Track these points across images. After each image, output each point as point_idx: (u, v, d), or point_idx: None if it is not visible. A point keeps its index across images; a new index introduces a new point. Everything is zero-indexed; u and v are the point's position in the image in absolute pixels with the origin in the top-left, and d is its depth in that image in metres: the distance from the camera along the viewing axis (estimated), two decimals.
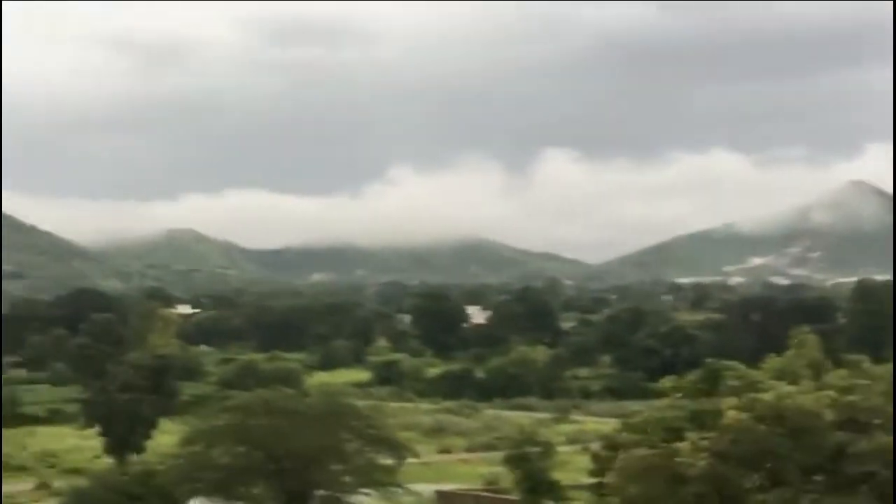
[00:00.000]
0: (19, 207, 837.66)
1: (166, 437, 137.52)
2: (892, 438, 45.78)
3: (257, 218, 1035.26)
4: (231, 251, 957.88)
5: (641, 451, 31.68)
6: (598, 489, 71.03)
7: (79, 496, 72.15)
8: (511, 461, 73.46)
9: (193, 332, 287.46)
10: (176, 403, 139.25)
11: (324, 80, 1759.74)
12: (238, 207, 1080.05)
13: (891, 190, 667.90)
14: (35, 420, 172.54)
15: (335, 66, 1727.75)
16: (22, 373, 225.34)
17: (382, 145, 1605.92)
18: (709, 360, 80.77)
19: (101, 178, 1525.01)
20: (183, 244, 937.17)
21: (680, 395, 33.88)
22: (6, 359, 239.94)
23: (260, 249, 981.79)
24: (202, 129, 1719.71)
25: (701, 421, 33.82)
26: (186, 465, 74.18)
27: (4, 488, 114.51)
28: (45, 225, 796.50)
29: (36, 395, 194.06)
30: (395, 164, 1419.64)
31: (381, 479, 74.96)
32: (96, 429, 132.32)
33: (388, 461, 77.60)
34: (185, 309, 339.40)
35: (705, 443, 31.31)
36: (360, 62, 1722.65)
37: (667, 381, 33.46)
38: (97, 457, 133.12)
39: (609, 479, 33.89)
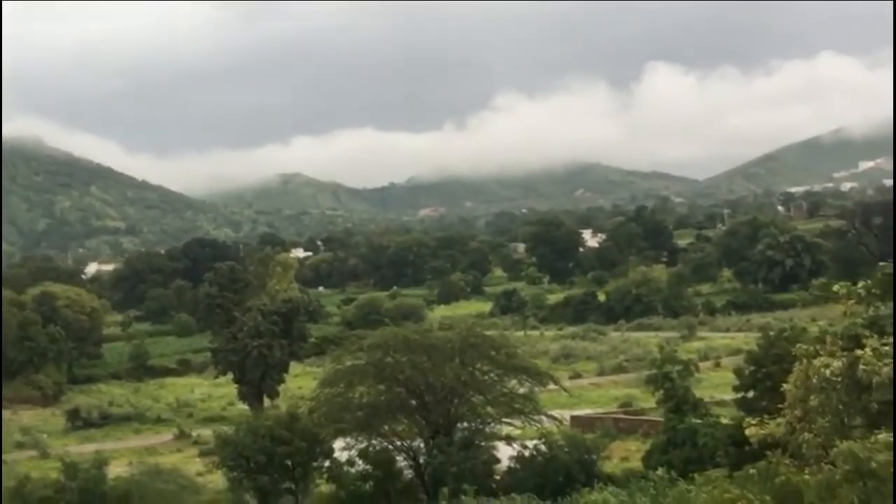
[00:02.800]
0: (130, 163, 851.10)
1: (297, 381, 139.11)
2: None
3: (364, 157, 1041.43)
4: (339, 192, 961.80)
5: (824, 360, 30.48)
6: (742, 404, 69.93)
7: (226, 442, 72.42)
8: (653, 381, 72.18)
9: (310, 275, 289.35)
10: (305, 347, 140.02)
11: (424, 13, 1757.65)
12: (345, 148, 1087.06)
13: None
14: (164, 372, 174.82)
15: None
16: (146, 326, 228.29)
17: (487, 74, 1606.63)
18: (881, 263, 78.84)
19: (209, 129, 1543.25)
20: (291, 188, 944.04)
21: (853, 301, 32.69)
22: (130, 312, 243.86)
23: (367, 188, 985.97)
24: (308, 73, 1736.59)
25: (880, 327, 32.59)
26: (329, 406, 74.19)
27: (144, 441, 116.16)
28: (156, 179, 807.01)
29: (162, 346, 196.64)
30: (500, 92, 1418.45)
31: (522, 408, 74.43)
32: (228, 376, 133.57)
33: (529, 389, 77.02)
34: (298, 252, 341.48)
35: (888, 348, 30.07)
36: None
37: (840, 287, 32.06)
38: (231, 404, 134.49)
39: (788, 389, 32.54)
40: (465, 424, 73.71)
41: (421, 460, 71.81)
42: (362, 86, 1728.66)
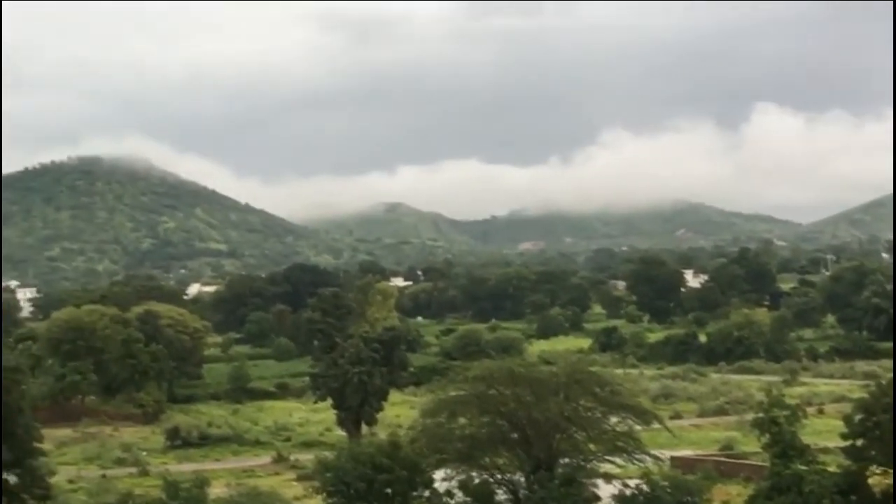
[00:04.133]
0: (237, 187, 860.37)
1: (395, 409, 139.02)
2: None
3: (467, 189, 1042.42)
4: (440, 222, 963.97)
5: None
6: (851, 452, 68.58)
7: (327, 467, 72.34)
8: (758, 424, 70.97)
9: (409, 304, 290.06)
10: (404, 375, 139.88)
11: (531, 48, 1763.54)
12: (450, 179, 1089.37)
13: None
14: (263, 395, 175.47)
15: (541, 34, 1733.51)
16: (245, 348, 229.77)
17: (594, 110, 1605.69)
18: None
19: (316, 155, 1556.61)
20: (393, 217, 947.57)
21: None
22: (230, 334, 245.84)
23: (468, 220, 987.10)
24: (416, 103, 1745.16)
25: None
26: (431, 436, 73.90)
27: (242, 463, 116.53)
28: (259, 203, 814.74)
29: (261, 369, 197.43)
30: (607, 128, 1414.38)
31: (625, 446, 73.60)
32: (327, 402, 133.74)
33: (633, 428, 76.22)
34: (398, 281, 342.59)
35: None
36: (565, 28, 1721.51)
37: None
38: (328, 429, 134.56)
39: None
40: (567, 460, 72.99)
41: (521, 495, 71.21)
42: (470, 117, 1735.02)
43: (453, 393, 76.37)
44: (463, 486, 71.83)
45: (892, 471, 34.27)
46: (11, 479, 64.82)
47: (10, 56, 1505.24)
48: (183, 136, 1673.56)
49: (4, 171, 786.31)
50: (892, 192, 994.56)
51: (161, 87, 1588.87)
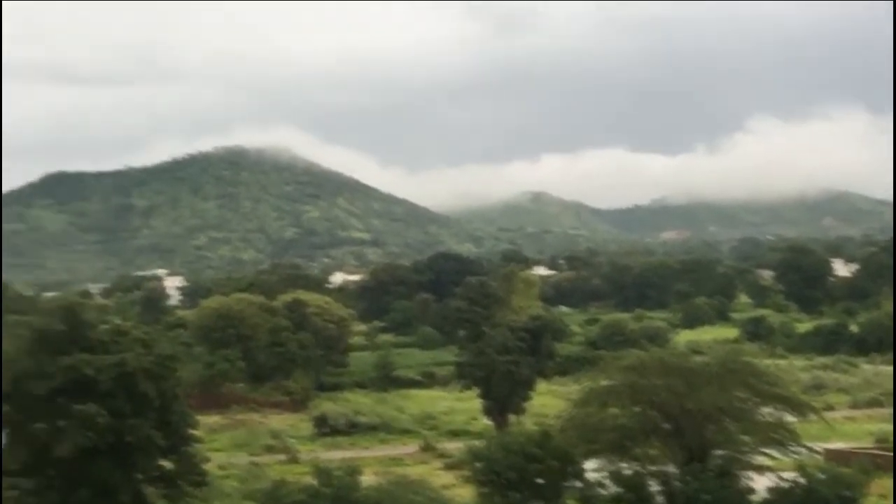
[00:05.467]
0: (380, 177, 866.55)
1: (541, 399, 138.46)
2: None
3: (611, 177, 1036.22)
4: (581, 211, 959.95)
5: None
6: None
7: (477, 457, 72.24)
8: None
9: (552, 293, 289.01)
10: (551, 365, 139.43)
11: (676, 35, 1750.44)
12: (593, 167, 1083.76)
13: None
14: (409, 383, 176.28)
15: (686, 21, 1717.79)
16: (389, 337, 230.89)
17: (742, 96, 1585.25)
18: None
19: (459, 144, 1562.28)
20: (535, 206, 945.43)
21: None
22: (374, 322, 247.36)
23: (610, 209, 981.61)
24: (561, 91, 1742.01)
25: None
26: (582, 426, 73.34)
27: (389, 451, 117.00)
28: (402, 193, 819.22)
29: (406, 358, 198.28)
30: (755, 115, 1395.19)
31: (780, 438, 72.19)
32: (472, 391, 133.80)
33: (789, 419, 74.81)
34: (540, 270, 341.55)
35: None
36: (712, 15, 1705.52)
37: None
38: (474, 418, 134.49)
39: None
40: (720, 452, 71.84)
41: (674, 486, 70.24)
42: (616, 105, 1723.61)
43: (604, 383, 75.60)
44: (614, 476, 71.08)
45: None
46: (168, 465, 65.62)
47: (158, 49, 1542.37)
48: (329, 127, 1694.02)
49: (155, 161, 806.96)
50: None
51: (308, 79, 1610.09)
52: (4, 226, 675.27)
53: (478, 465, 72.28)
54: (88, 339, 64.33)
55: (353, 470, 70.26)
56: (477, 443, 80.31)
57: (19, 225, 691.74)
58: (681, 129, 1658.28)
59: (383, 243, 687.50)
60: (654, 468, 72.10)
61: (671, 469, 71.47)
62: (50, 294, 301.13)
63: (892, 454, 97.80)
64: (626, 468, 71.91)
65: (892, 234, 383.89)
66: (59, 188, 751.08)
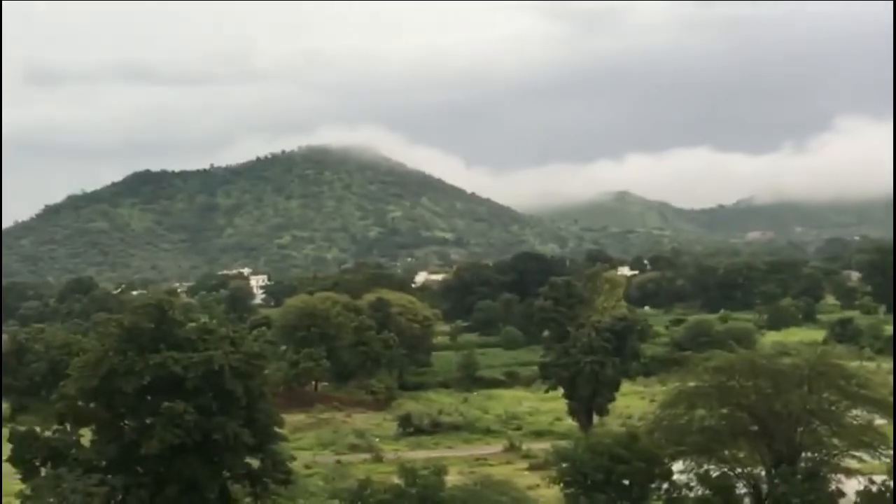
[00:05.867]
0: (465, 177, 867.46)
1: (625, 399, 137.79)
2: None
3: (696, 177, 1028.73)
4: (666, 211, 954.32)
5: None
6: None
7: (563, 457, 71.96)
8: None
9: (636, 294, 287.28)
10: (636, 366, 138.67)
11: (761, 33, 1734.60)
12: (678, 167, 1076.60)
13: None
14: (492, 383, 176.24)
15: (771, 19, 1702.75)
16: (473, 336, 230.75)
17: (831, 95, 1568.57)
18: None
19: (545, 144, 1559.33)
20: (619, 206, 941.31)
21: None
22: (458, 322, 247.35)
23: (694, 209, 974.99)
24: (646, 90, 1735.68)
25: None
26: (669, 427, 72.70)
27: (473, 451, 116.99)
28: (486, 192, 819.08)
29: (489, 358, 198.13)
30: (843, 113, 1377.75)
31: (871, 441, 71.03)
32: (557, 391, 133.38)
33: (879, 422, 73.69)
34: (625, 270, 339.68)
35: None
36: (797, 13, 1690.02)
37: None
38: (559, 419, 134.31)
39: None
40: (809, 454, 70.90)
41: (763, 489, 69.49)
42: (701, 105, 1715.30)
43: (691, 384, 74.86)
44: (702, 478, 70.43)
45: None
46: (254, 462, 65.92)
47: (244, 48, 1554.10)
48: (416, 127, 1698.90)
49: (240, 160, 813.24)
50: None
51: (395, 79, 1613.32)
52: (90, 225, 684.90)
53: (564, 465, 71.96)
54: (176, 336, 64.80)
55: (439, 470, 70.23)
56: (563, 443, 79.90)
57: (105, 224, 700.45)
58: (767, 128, 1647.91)
59: (466, 243, 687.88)
60: (741, 470, 71.42)
61: (759, 472, 70.76)
62: (136, 292, 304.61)
63: None
64: (714, 470, 71.26)
65: None
66: (145, 188, 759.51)
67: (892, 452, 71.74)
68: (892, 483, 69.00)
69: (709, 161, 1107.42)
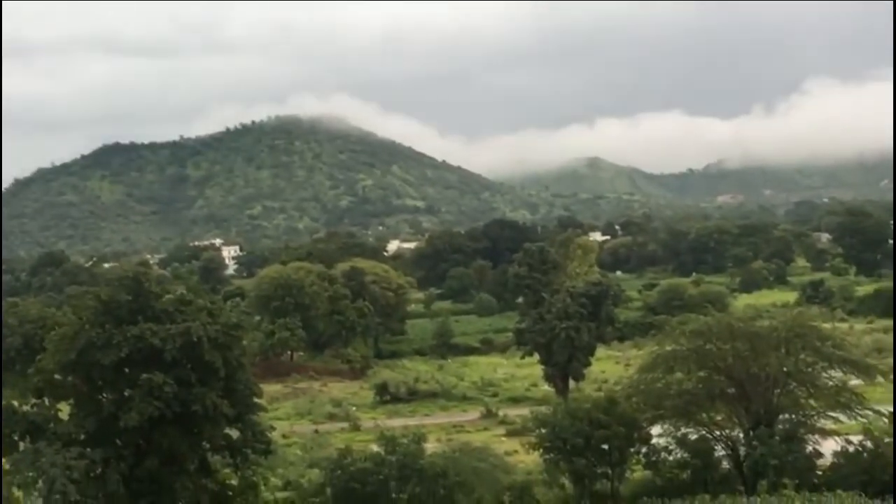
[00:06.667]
0: (441, 146, 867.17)
1: (600, 364, 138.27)
2: None
3: (666, 142, 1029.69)
4: (635, 176, 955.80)
5: None
6: None
7: (543, 423, 72.18)
8: None
9: (608, 259, 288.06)
10: (611, 330, 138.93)
11: None
12: (649, 132, 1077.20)
13: None
14: (467, 350, 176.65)
15: None
16: (446, 304, 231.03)
17: (800, 58, 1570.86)
18: None
19: (517, 111, 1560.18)
20: (589, 172, 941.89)
21: None
22: (431, 290, 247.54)
23: (664, 174, 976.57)
24: (617, 55, 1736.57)
25: None
26: (648, 392, 72.96)
27: (450, 418, 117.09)
28: (458, 160, 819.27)
29: (464, 325, 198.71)
30: (811, 76, 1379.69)
31: (848, 402, 71.42)
32: (532, 358, 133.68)
33: (854, 383, 74.19)
34: (596, 236, 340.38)
35: None
36: None
37: None
38: (534, 385, 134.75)
39: None
40: (787, 416, 71.30)
41: (740, 451, 69.90)
42: (672, 69, 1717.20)
43: (668, 348, 75.11)
44: (680, 441, 70.88)
45: None
46: (234, 433, 65.84)
47: (212, 19, 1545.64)
48: (389, 97, 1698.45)
49: (210, 131, 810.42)
50: None
51: (366, 48, 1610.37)
52: (60, 198, 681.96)
53: (543, 431, 72.19)
54: (154, 309, 64.48)
55: (418, 437, 70.45)
56: (542, 409, 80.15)
57: (74, 197, 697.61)
58: (738, 92, 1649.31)
59: (438, 211, 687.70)
60: (720, 433, 71.90)
61: (737, 434, 71.19)
62: (107, 265, 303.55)
63: None
64: (692, 433, 71.73)
65: None
66: (114, 160, 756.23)
67: (867, 412, 72.28)
68: (868, 443, 69.51)
69: (680, 125, 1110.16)
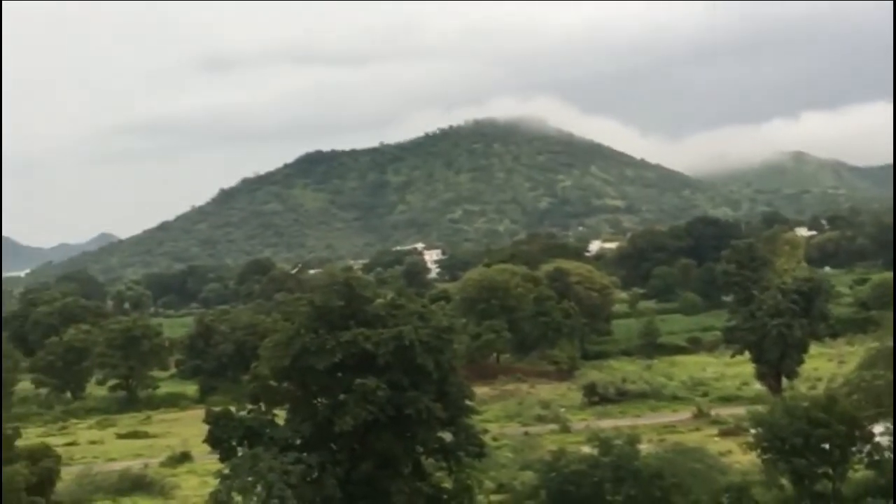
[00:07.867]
0: (639, 145, 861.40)
1: (812, 362, 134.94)
2: None
3: (871, 133, 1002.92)
4: (840, 170, 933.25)
5: None
6: None
7: (760, 423, 70.53)
8: None
9: (815, 254, 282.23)
10: (824, 327, 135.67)
11: None
12: (855, 123, 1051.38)
13: None
14: (674, 350, 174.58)
15: None
16: (650, 303, 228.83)
17: None
18: None
19: (718, 106, 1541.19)
20: (792, 167, 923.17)
21: None
22: (635, 289, 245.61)
23: (870, 166, 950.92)
24: (820, 46, 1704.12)
25: None
26: (869, 389, 70.79)
27: (661, 418, 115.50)
28: (657, 158, 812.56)
29: (669, 324, 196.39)
30: None
31: None
32: (742, 356, 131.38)
33: None
34: (802, 231, 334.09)
35: None
36: None
37: None
38: (745, 383, 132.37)
39: None
40: None
41: None
42: (877, 58, 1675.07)
43: (888, 343, 72.82)
44: None
45: None
46: (447, 436, 65.83)
47: (410, 26, 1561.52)
48: (590, 97, 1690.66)
49: (408, 137, 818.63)
50: None
51: (567, 48, 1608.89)
52: (265, 206, 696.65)
53: (760, 430, 70.54)
54: (366, 313, 64.90)
55: (632, 438, 69.56)
56: (759, 408, 78.27)
57: (279, 205, 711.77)
58: None
59: (638, 210, 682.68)
60: None
61: None
62: (312, 272, 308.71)
63: None
64: None
65: None
66: (316, 168, 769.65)
67: None
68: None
69: (887, 116, 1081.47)
